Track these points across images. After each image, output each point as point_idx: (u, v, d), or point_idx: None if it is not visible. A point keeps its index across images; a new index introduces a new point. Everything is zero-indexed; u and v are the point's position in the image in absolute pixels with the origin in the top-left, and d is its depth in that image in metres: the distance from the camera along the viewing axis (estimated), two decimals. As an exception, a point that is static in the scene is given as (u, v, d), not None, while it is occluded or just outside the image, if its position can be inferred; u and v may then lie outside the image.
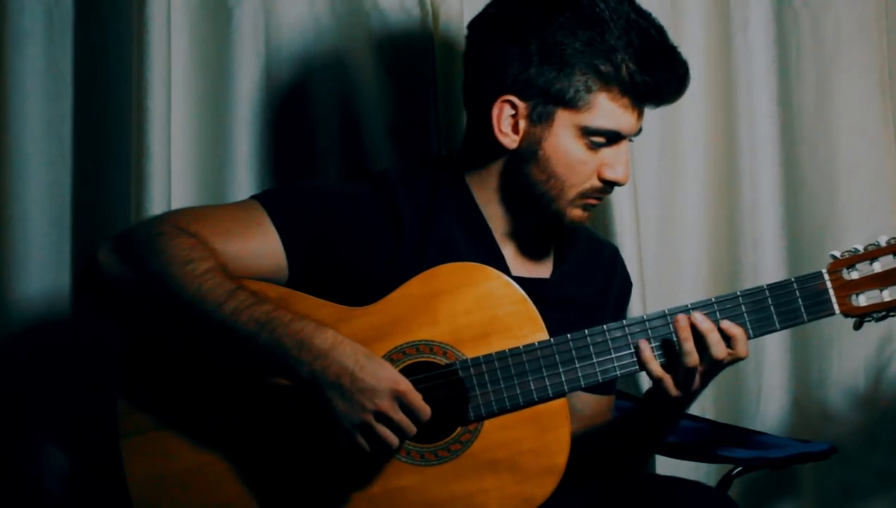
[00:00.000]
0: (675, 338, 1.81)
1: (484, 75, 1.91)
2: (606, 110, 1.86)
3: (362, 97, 2.38)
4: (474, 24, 1.94)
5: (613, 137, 1.88)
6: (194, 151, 2.36)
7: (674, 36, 2.49)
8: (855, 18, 2.58)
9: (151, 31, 2.21)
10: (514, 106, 1.88)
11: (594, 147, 1.87)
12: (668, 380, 1.82)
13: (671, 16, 2.53)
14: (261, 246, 1.84)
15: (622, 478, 1.98)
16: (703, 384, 1.84)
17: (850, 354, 2.59)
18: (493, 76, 1.89)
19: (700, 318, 1.81)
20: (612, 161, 1.89)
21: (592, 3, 1.84)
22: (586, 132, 1.86)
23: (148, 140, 2.21)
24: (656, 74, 1.86)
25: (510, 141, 1.89)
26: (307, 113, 2.38)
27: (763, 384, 2.57)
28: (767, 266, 2.55)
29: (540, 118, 1.87)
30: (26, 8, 2.29)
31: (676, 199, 2.59)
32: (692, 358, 1.80)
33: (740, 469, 2.14)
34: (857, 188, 2.59)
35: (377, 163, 2.36)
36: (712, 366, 1.82)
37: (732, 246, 2.58)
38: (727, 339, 1.82)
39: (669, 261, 2.58)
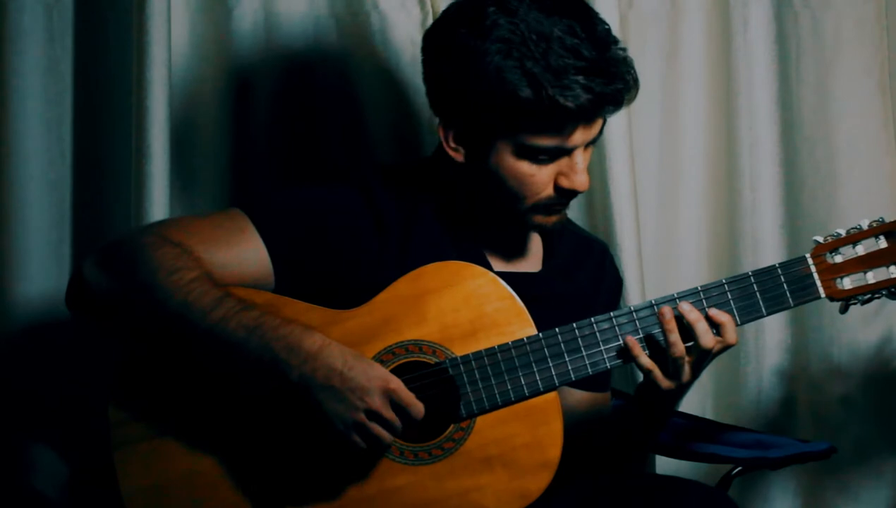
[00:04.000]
0: (660, 329, 1.81)
1: (430, 90, 1.90)
2: (538, 131, 1.82)
3: (362, 97, 2.39)
4: (426, 38, 1.91)
5: (558, 151, 1.84)
6: (194, 151, 2.36)
7: (674, 36, 2.53)
8: (855, 18, 2.57)
9: (151, 31, 2.21)
10: (455, 123, 1.87)
11: (542, 161, 1.85)
12: (657, 372, 1.82)
13: (671, 16, 2.53)
14: (246, 253, 1.84)
15: (621, 478, 1.98)
16: (695, 374, 1.84)
17: (851, 354, 2.59)
18: (437, 93, 1.89)
19: (687, 308, 1.81)
20: (567, 170, 1.85)
21: (513, 28, 1.79)
22: (525, 150, 1.84)
23: (148, 140, 2.21)
24: (581, 93, 1.78)
25: (458, 155, 1.89)
26: (307, 112, 2.38)
27: (763, 384, 2.58)
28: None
29: (479, 137, 1.85)
30: (26, 7, 2.29)
31: (676, 199, 2.59)
32: (678, 348, 1.80)
33: (740, 469, 2.14)
34: (857, 188, 2.58)
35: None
36: (701, 356, 1.82)
37: (732, 246, 2.58)
38: (715, 327, 1.82)
39: (669, 261, 2.58)
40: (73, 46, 2.33)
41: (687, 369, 1.82)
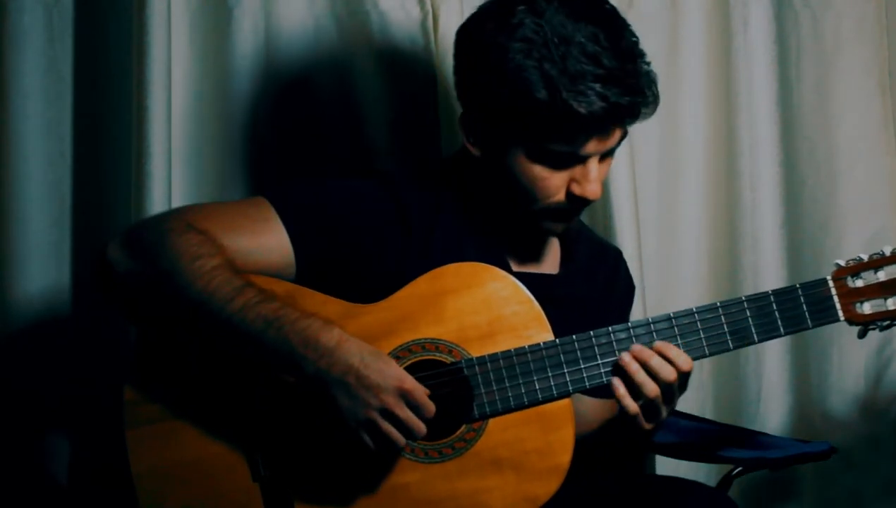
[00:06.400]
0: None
1: (457, 83, 1.92)
2: (551, 135, 1.82)
3: (362, 97, 2.39)
4: (459, 31, 1.93)
5: (571, 158, 1.84)
6: (194, 151, 2.36)
7: (674, 36, 2.53)
8: (855, 18, 2.58)
9: (151, 31, 2.21)
10: (476, 118, 1.88)
11: (555, 166, 1.85)
12: (640, 418, 1.82)
13: (671, 15, 2.54)
14: (269, 242, 1.84)
15: (622, 479, 1.98)
16: (670, 410, 1.84)
17: (850, 354, 2.59)
18: (462, 86, 1.90)
19: (638, 349, 1.81)
20: (580, 177, 1.85)
21: (537, 28, 1.80)
22: (540, 153, 1.84)
23: (148, 140, 2.21)
24: (596, 101, 1.78)
25: (475, 150, 1.90)
26: (307, 113, 2.38)
27: (763, 384, 2.57)
28: (767, 266, 2.55)
29: (497, 134, 1.86)
30: (26, 8, 2.29)
31: (676, 199, 2.59)
32: (650, 386, 1.80)
33: (740, 469, 2.13)
34: (857, 188, 2.59)
35: (378, 163, 2.37)
36: (667, 388, 1.81)
37: (732, 246, 2.58)
38: (668, 360, 1.81)
39: (669, 261, 2.59)
40: (73, 46, 2.33)
41: (662, 409, 1.82)
